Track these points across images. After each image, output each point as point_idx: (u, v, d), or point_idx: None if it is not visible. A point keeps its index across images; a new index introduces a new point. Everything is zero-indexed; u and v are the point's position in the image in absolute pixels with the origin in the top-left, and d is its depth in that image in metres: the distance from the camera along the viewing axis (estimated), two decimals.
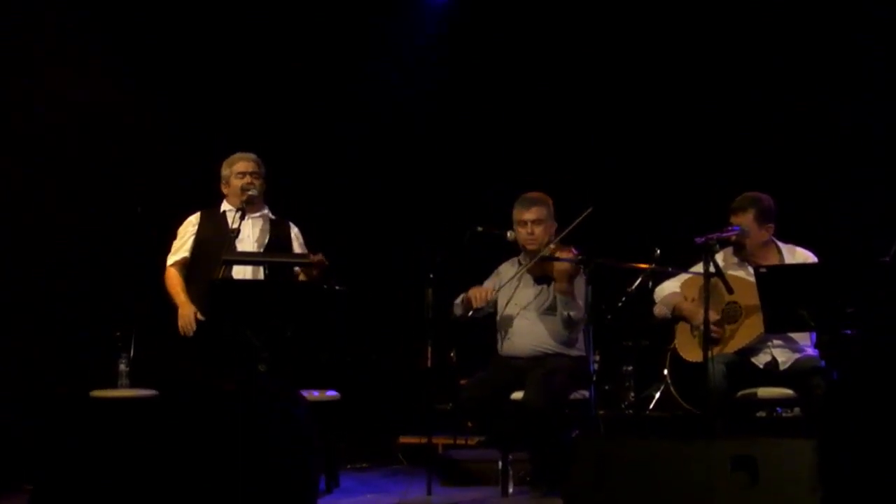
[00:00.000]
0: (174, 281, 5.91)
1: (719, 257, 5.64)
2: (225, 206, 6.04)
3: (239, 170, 6.00)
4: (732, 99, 7.67)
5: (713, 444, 3.66)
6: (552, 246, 5.90)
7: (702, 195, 7.20)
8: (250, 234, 5.92)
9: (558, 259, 5.80)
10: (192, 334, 5.71)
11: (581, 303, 5.93)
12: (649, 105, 7.94)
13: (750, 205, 5.67)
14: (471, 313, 6.09)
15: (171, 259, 5.99)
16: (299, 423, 4.27)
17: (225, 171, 6.05)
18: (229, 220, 5.83)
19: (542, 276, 6.06)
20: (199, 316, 5.73)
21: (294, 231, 6.08)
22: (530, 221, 6.06)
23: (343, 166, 8.31)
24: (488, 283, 6.26)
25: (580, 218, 5.69)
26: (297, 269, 5.86)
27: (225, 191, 6.04)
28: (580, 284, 5.95)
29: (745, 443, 3.62)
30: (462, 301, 6.13)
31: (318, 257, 5.72)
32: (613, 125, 8.01)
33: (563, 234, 5.88)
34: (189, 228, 6.03)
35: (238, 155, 6.07)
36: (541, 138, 8.17)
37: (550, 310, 6.03)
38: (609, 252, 5.70)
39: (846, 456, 3.48)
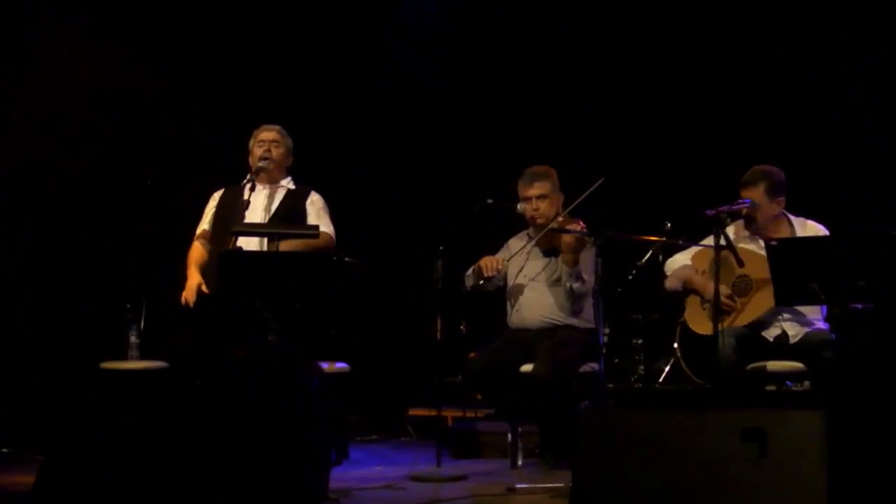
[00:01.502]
0: (192, 253, 5.93)
1: (730, 230, 5.61)
2: (247, 178, 6.03)
3: (260, 139, 6.01)
4: (743, 70, 7.64)
5: (722, 416, 3.65)
6: (560, 218, 5.90)
7: (713, 168, 7.17)
8: (261, 205, 5.91)
9: (565, 231, 5.80)
10: (191, 305, 5.70)
11: (587, 275, 5.94)
12: (662, 76, 7.91)
13: (760, 178, 5.65)
14: (481, 282, 6.11)
15: (197, 231, 6.03)
16: (312, 393, 4.28)
17: (250, 143, 6.07)
18: (245, 193, 5.83)
19: (549, 248, 6.07)
20: (205, 288, 5.73)
21: (311, 198, 6.02)
22: (535, 197, 6.08)
23: (355, 139, 8.30)
24: (499, 256, 6.27)
25: (590, 189, 5.68)
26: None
27: (250, 162, 6.03)
28: (587, 256, 5.95)
29: (754, 415, 3.61)
30: (473, 271, 6.14)
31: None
32: (625, 97, 7.98)
33: (573, 206, 5.87)
34: (211, 203, 6.06)
35: (262, 126, 6.08)
36: (552, 110, 8.15)
37: (559, 282, 6.04)
38: (620, 225, 5.68)
39: (854, 427, 3.48)
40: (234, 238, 5.43)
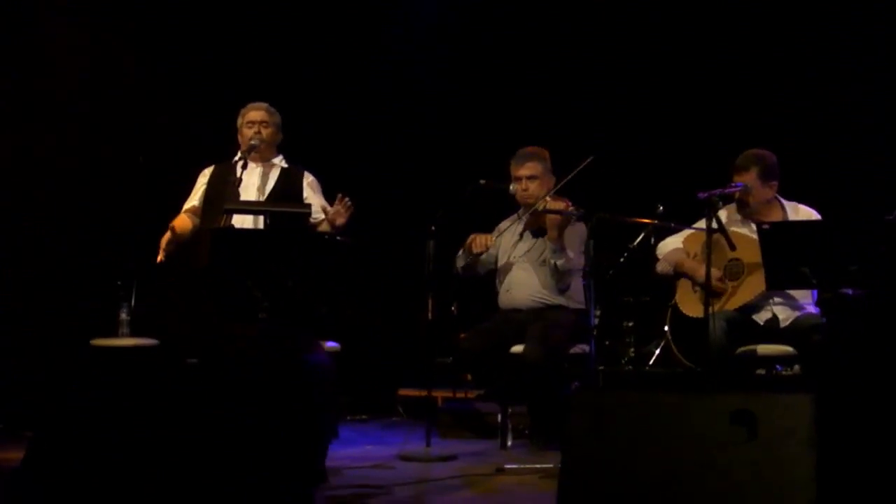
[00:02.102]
0: (175, 224, 5.84)
1: (723, 214, 5.62)
2: (237, 156, 6.01)
3: (248, 119, 5.96)
4: (737, 53, 7.63)
5: (712, 398, 3.65)
6: (548, 198, 5.90)
7: (706, 151, 7.18)
8: (254, 183, 5.89)
9: (552, 212, 5.80)
10: (163, 248, 5.63)
11: (573, 254, 5.97)
12: (656, 60, 7.89)
13: (753, 163, 5.64)
14: (470, 259, 6.13)
15: (185, 206, 5.97)
16: (315, 371, 4.27)
17: (238, 121, 6.01)
18: (236, 171, 5.81)
19: (538, 229, 6.09)
20: (177, 234, 5.65)
21: (308, 180, 6.00)
22: (525, 177, 6.12)
23: (348, 119, 8.29)
24: (492, 244, 6.29)
25: (577, 168, 5.69)
26: (315, 219, 5.82)
27: (239, 140, 6.00)
28: (573, 235, 5.98)
29: (744, 397, 3.61)
30: (463, 250, 6.15)
31: (341, 209, 5.62)
32: (620, 80, 7.97)
33: (559, 185, 5.92)
34: (201, 179, 6.00)
35: (250, 105, 6.03)
36: (545, 92, 8.14)
37: (546, 261, 6.05)
38: (612, 207, 5.68)
39: (844, 411, 3.49)
40: (226, 216, 5.41)
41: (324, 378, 4.48)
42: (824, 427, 3.31)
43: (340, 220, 5.55)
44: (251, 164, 5.77)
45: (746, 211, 5.71)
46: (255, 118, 5.94)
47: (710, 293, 5.20)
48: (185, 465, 3.86)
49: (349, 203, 5.52)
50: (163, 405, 4.02)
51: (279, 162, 6.00)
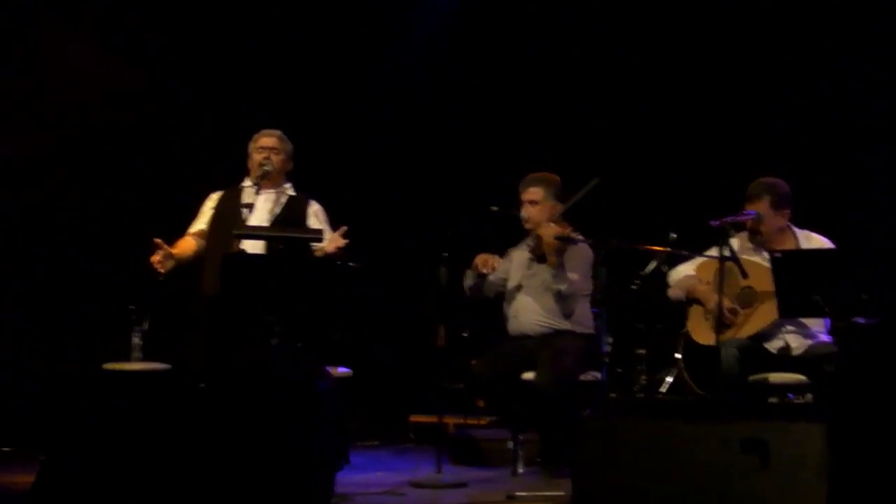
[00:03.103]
0: (180, 243, 5.85)
1: (735, 242, 5.62)
2: (246, 182, 6.02)
3: (259, 145, 5.97)
4: (749, 81, 7.63)
5: (724, 427, 3.65)
6: (551, 224, 5.92)
7: (718, 179, 7.18)
8: (262, 209, 5.90)
9: (562, 239, 5.82)
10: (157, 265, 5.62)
11: (576, 276, 5.97)
12: (670, 87, 7.90)
13: (765, 191, 5.65)
14: (476, 279, 6.14)
15: (190, 230, 5.97)
16: (321, 396, 4.26)
17: (249, 147, 6.01)
18: (245, 195, 5.82)
19: (541, 254, 6.08)
20: (169, 253, 5.64)
21: (313, 208, 6.01)
22: (528, 202, 6.12)
23: (359, 144, 8.30)
24: (499, 265, 6.31)
25: (581, 193, 5.70)
26: (313, 245, 5.82)
27: (249, 165, 6.01)
28: (576, 258, 5.99)
29: (756, 426, 3.61)
30: (470, 270, 6.17)
31: (338, 237, 5.64)
32: (633, 106, 7.97)
33: (562, 209, 5.93)
34: (209, 203, 6.00)
35: (262, 131, 6.04)
36: (559, 119, 8.15)
37: (549, 287, 6.05)
38: (625, 234, 5.68)
39: (856, 440, 3.47)
40: (236, 241, 5.41)
41: (330, 404, 4.47)
42: (837, 456, 3.30)
43: (331, 248, 5.57)
44: (260, 192, 5.78)
45: (759, 239, 5.70)
46: (266, 144, 5.96)
47: (722, 318, 5.19)
48: (194, 489, 3.86)
49: (345, 241, 5.53)
50: (173, 430, 4.02)
51: (288, 189, 6.01)
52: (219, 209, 5.94)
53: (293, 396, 4.11)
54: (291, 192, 6.01)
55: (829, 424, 3.35)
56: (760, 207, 5.62)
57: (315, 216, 5.98)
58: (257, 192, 5.65)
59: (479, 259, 6.15)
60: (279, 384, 4.16)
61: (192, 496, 3.88)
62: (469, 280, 6.24)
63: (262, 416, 4.00)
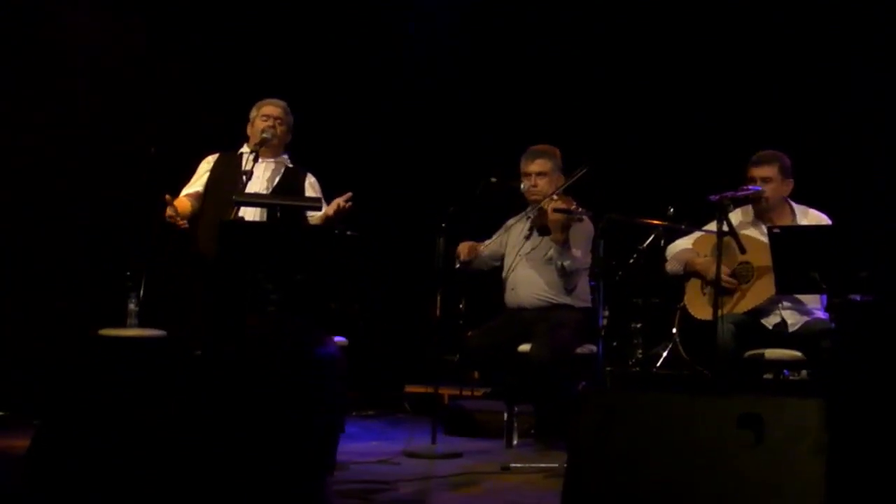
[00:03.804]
0: (177, 204, 5.83)
1: (734, 216, 5.62)
2: (244, 148, 6.00)
3: (264, 112, 5.96)
4: (748, 56, 7.62)
5: (720, 401, 3.64)
6: (555, 197, 5.89)
7: (716, 154, 7.18)
8: (261, 177, 5.89)
9: (558, 211, 5.79)
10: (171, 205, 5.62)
11: (579, 252, 5.96)
12: (668, 62, 7.89)
13: (774, 158, 5.64)
14: (458, 266, 6.15)
15: (185, 191, 5.94)
16: (325, 364, 4.25)
17: (252, 113, 6.01)
18: (243, 162, 5.80)
19: (543, 227, 6.06)
20: (178, 220, 5.65)
21: (310, 180, 6.01)
22: (534, 174, 6.12)
23: (358, 114, 8.29)
24: (496, 237, 6.32)
25: (579, 173, 5.69)
26: (309, 213, 5.82)
27: (249, 132, 5.99)
28: (579, 234, 5.97)
29: (751, 401, 3.60)
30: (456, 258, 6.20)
31: (341, 200, 5.63)
32: (632, 81, 7.97)
33: (563, 186, 5.91)
34: (205, 166, 5.98)
35: (268, 99, 6.03)
36: (557, 91, 8.13)
37: (551, 260, 6.04)
38: (622, 208, 5.67)
39: (853, 417, 3.47)
40: (235, 208, 5.40)
41: (335, 371, 4.45)
42: (835, 432, 3.30)
43: (330, 211, 5.57)
44: (260, 158, 5.77)
45: (763, 205, 5.64)
46: (270, 112, 5.94)
47: (720, 292, 5.19)
48: (192, 457, 3.85)
49: (348, 205, 5.53)
50: (170, 397, 4.02)
51: (285, 160, 6.00)
52: (215, 173, 5.92)
53: (294, 367, 4.10)
54: (289, 164, 6.00)
55: (826, 400, 3.35)
56: (771, 173, 5.60)
57: (311, 187, 5.98)
58: (255, 160, 5.64)
59: (462, 248, 6.17)
60: (280, 354, 4.15)
61: (188, 465, 3.88)
62: (457, 262, 6.25)
63: (262, 386, 4.00)
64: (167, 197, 5.58)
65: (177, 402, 3.96)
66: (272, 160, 5.93)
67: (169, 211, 5.57)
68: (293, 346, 4.18)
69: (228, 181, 5.71)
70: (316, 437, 4.02)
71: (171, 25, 7.64)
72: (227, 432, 3.87)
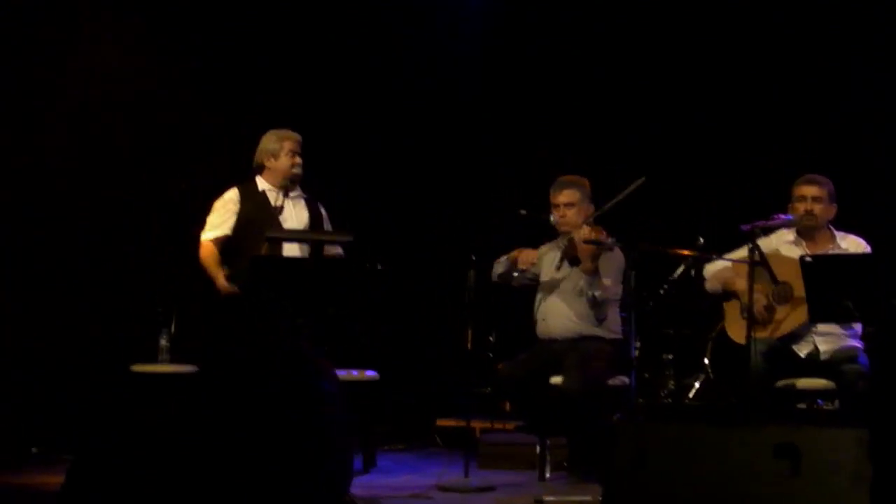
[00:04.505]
0: (212, 257, 5.85)
1: (776, 236, 5.62)
2: (262, 183, 5.98)
3: (290, 148, 5.95)
4: (780, 84, 7.60)
5: (755, 431, 3.62)
6: (584, 227, 5.88)
7: (748, 182, 7.16)
8: (293, 213, 5.92)
9: (587, 242, 5.78)
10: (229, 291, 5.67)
11: (609, 282, 5.94)
12: (697, 91, 7.87)
13: (824, 180, 5.63)
14: (515, 274, 6.13)
15: (210, 234, 5.91)
16: (330, 400, 4.24)
17: (273, 146, 5.98)
18: (271, 199, 5.82)
19: (574, 257, 6.05)
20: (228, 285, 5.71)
21: (322, 211, 6.08)
22: (563, 204, 6.10)
23: (388, 147, 8.30)
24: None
25: (622, 194, 5.65)
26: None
27: (267, 164, 5.98)
28: (610, 263, 5.95)
29: (787, 430, 3.58)
30: (506, 259, 6.15)
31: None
32: (661, 110, 7.95)
33: (597, 213, 5.91)
34: (230, 206, 5.94)
35: (288, 132, 6.01)
36: (589, 123, 8.13)
37: (582, 291, 6.02)
38: (652, 238, 5.66)
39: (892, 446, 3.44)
40: (266, 244, 5.42)
41: (336, 408, 4.43)
42: (878, 464, 3.27)
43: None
44: (285, 196, 5.81)
45: (811, 224, 5.60)
46: (295, 148, 5.96)
47: (752, 321, 5.15)
48: (217, 491, 3.86)
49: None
50: (196, 432, 4.02)
51: (301, 193, 6.03)
52: (243, 212, 5.91)
53: (291, 396, 4.09)
54: (304, 196, 6.03)
55: (870, 432, 3.32)
56: (821, 193, 5.59)
57: (326, 219, 6.02)
58: (286, 196, 5.66)
59: (523, 255, 6.13)
60: (277, 382, 4.14)
61: (212, 496, 3.88)
62: (501, 268, 6.21)
63: (255, 412, 3.99)
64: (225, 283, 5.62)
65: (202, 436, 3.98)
66: (296, 194, 5.95)
67: (228, 288, 5.61)
68: (288, 378, 4.18)
69: (260, 220, 5.72)
70: (326, 471, 4.02)
71: (195, 53, 7.67)
72: (237, 466, 3.88)
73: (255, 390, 4.12)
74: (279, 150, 5.97)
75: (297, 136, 6.02)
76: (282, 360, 4.51)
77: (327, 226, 6.06)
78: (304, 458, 3.98)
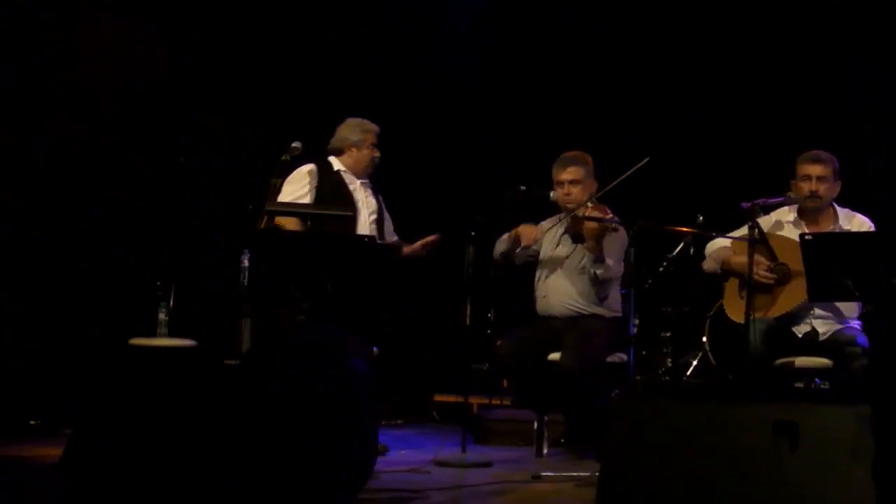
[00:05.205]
0: (290, 222, 5.88)
1: (776, 214, 5.60)
2: (337, 164, 6.13)
3: (372, 140, 6.17)
4: (780, 63, 7.59)
5: (754, 408, 3.62)
6: (589, 205, 5.86)
7: (746, 160, 7.15)
8: (363, 197, 6.14)
9: (591, 219, 5.75)
10: None
11: (612, 261, 5.91)
12: (697, 71, 7.87)
13: (829, 158, 5.57)
14: (518, 250, 6.11)
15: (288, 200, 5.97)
16: (362, 375, 4.24)
17: (357, 137, 6.16)
18: (346, 180, 6.05)
19: (577, 234, 6.02)
20: None
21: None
22: (567, 181, 6.05)
23: (388, 122, 8.27)
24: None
25: (640, 164, 5.62)
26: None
27: (348, 151, 6.15)
28: (613, 242, 5.92)
29: (786, 408, 3.58)
30: (508, 237, 6.13)
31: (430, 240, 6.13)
32: (661, 88, 7.94)
33: (601, 192, 5.87)
34: (307, 178, 6.03)
35: (370, 124, 6.22)
36: (587, 99, 8.12)
37: (584, 269, 6.01)
38: (652, 216, 5.64)
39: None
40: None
41: (367, 383, 4.44)
42: (880, 440, 3.27)
43: (418, 246, 6.13)
44: (358, 181, 6.09)
45: (814, 205, 5.58)
46: (376, 141, 6.20)
47: (752, 290, 5.13)
48: (224, 464, 3.85)
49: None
50: (203, 406, 4.02)
51: (367, 181, 6.25)
52: (321, 186, 6.03)
53: (327, 379, 4.08)
54: (370, 184, 6.25)
55: (872, 408, 3.32)
56: (826, 172, 5.53)
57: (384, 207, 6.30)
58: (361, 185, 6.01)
59: (525, 230, 6.11)
60: (314, 362, 4.13)
61: (221, 471, 3.88)
62: (503, 247, 6.19)
63: (296, 392, 3.99)
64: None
65: (208, 411, 3.97)
66: (364, 181, 6.19)
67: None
68: (328, 357, 4.18)
69: (337, 197, 5.95)
70: (351, 450, 4.02)
71: (205, 38, 7.66)
72: (257, 442, 3.87)
73: (291, 373, 4.10)
74: (362, 143, 6.17)
75: (377, 129, 6.24)
76: (314, 343, 4.50)
77: (385, 213, 6.24)
78: (335, 439, 3.97)
